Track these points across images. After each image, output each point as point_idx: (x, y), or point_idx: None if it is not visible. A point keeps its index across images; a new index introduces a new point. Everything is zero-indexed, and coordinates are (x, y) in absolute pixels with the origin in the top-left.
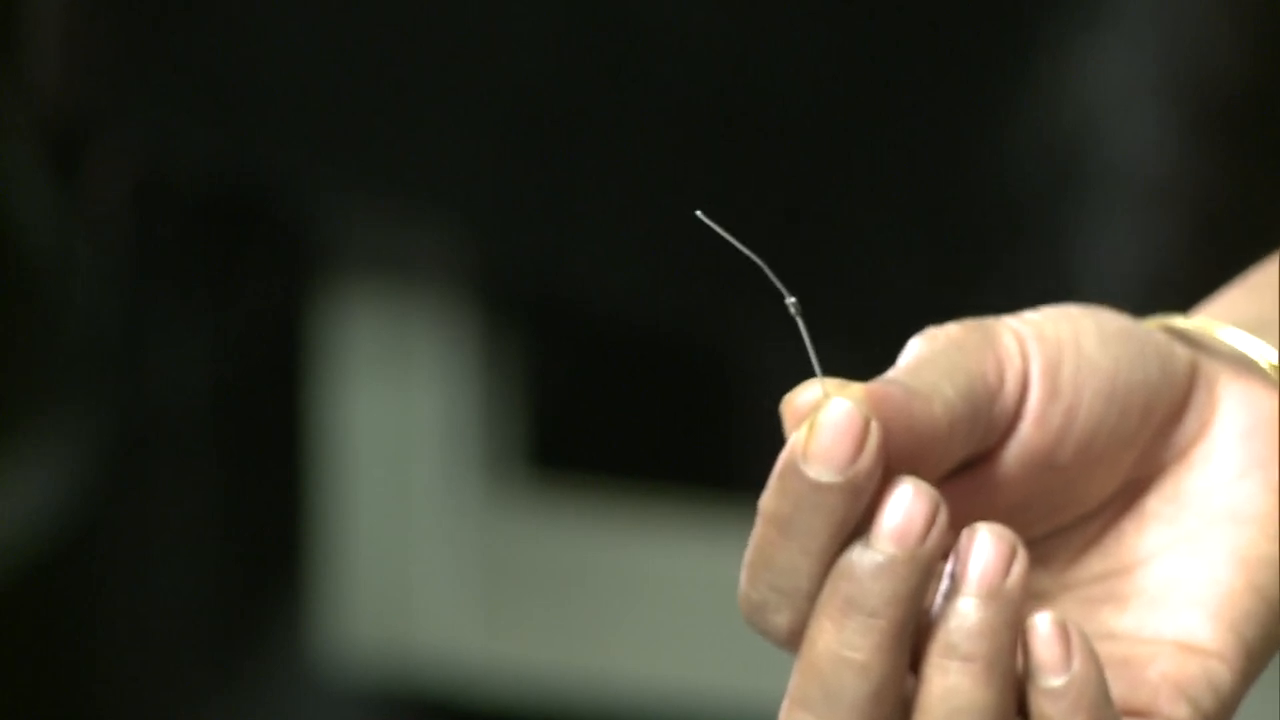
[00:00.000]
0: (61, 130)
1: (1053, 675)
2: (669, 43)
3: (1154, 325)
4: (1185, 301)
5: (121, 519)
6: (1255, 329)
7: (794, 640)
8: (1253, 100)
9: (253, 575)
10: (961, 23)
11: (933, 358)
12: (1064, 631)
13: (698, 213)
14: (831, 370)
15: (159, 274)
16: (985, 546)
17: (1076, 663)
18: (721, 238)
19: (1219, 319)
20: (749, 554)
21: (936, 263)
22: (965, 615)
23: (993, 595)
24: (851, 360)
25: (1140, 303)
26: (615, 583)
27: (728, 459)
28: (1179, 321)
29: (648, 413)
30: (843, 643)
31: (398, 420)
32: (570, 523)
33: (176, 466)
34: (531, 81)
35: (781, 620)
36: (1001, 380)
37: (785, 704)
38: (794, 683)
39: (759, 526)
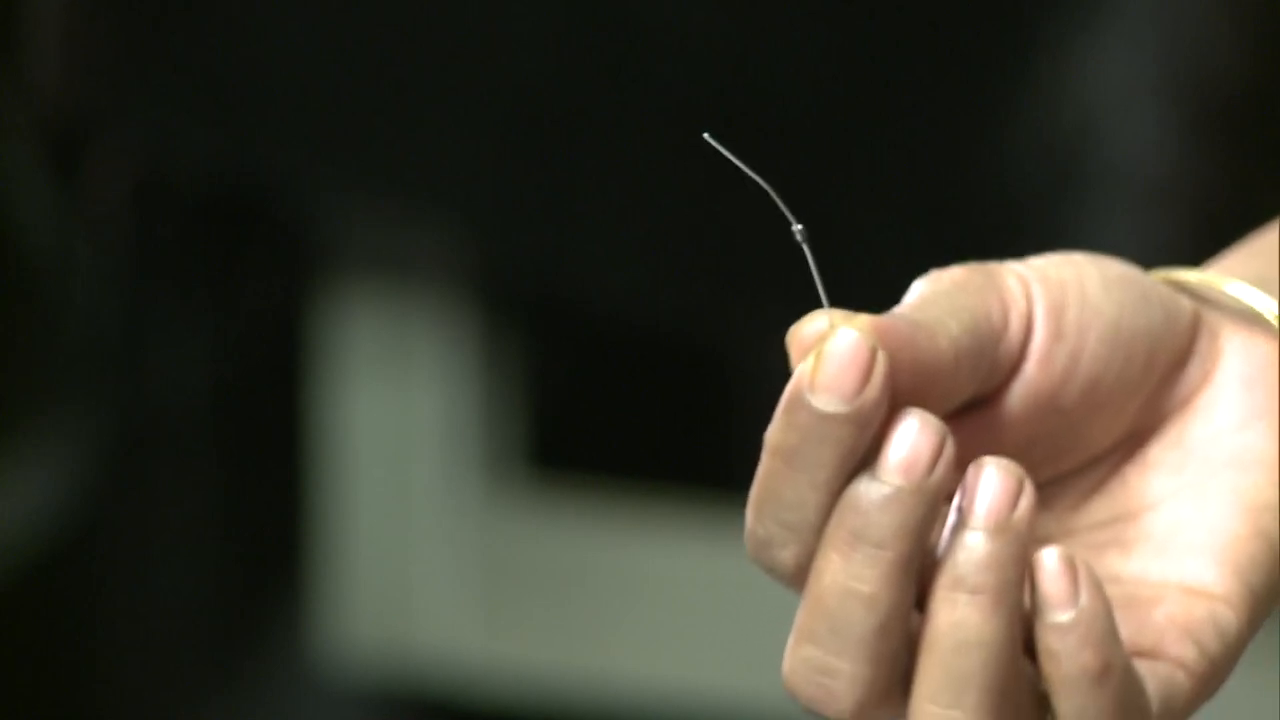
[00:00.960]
0: (61, 130)
1: (1060, 610)
2: (669, 43)
3: (1159, 277)
4: None
5: (121, 519)
6: (1257, 286)
7: (800, 576)
8: (1253, 100)
9: (253, 575)
10: (961, 23)
11: (936, 297)
12: (1071, 567)
13: (705, 135)
14: None
15: (159, 274)
16: (992, 480)
17: (1084, 597)
18: (729, 161)
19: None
20: (755, 489)
21: (936, 263)
22: (973, 548)
23: (1000, 528)
24: None
25: None
26: (615, 583)
27: (728, 459)
28: (1184, 275)
29: (648, 413)
30: (850, 575)
31: (398, 420)
32: (570, 523)
33: (176, 466)
34: (531, 81)
35: (788, 555)
36: (1005, 321)
37: (791, 640)
38: (800, 618)
39: (765, 460)
